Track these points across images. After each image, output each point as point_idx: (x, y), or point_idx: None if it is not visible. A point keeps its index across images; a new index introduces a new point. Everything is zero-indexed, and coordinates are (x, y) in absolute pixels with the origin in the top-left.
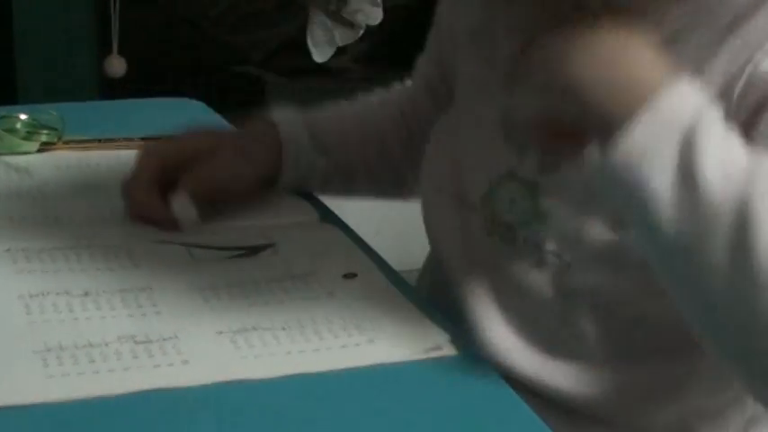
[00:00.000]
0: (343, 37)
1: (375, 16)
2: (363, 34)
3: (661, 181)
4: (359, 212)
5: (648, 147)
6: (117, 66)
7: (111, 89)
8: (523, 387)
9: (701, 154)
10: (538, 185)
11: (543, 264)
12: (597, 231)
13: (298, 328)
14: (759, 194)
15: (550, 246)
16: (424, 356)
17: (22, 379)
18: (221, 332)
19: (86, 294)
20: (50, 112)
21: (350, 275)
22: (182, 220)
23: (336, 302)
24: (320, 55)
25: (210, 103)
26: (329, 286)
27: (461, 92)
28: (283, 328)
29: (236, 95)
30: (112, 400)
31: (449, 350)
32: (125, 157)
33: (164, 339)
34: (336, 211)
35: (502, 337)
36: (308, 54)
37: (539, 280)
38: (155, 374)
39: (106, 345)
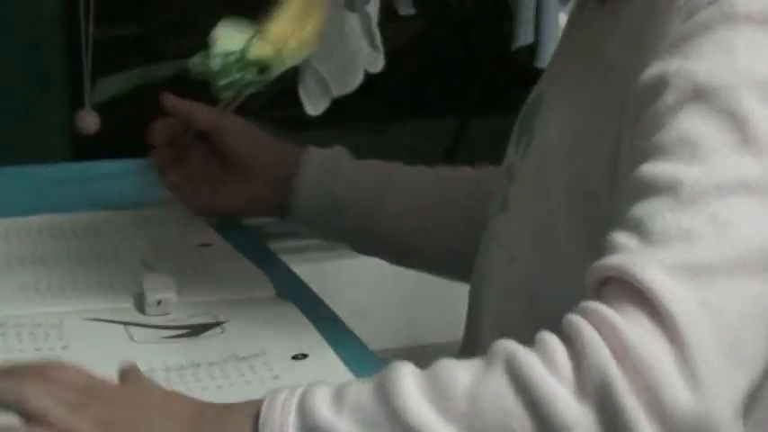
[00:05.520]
0: (339, 87)
1: (376, 63)
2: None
3: None
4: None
5: None
6: (90, 121)
7: (82, 147)
8: None
9: (325, 424)
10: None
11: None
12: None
13: None
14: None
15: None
16: None
17: None
18: None
19: None
20: None
21: (300, 356)
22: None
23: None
24: (313, 108)
25: None
26: (276, 368)
27: None
28: None
29: None
30: None
31: None
32: (73, 226)
33: None
34: None
35: None
36: None
37: None
38: None
39: None
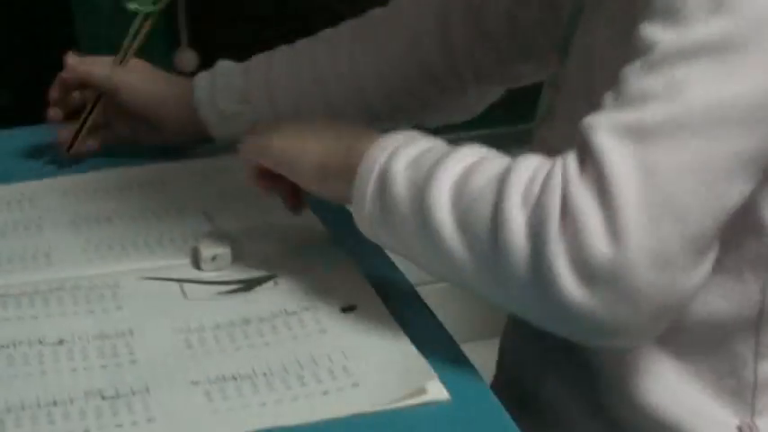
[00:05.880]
0: None
1: None
2: None
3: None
4: None
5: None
6: (187, 59)
7: None
8: None
9: (394, 174)
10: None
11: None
12: None
13: (280, 373)
14: (431, 192)
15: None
16: (408, 402)
17: None
18: (197, 382)
19: (61, 343)
20: None
21: (348, 308)
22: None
23: (328, 341)
24: None
25: None
26: (324, 322)
27: None
28: (264, 374)
29: None
30: None
31: (436, 394)
32: (140, 179)
33: (133, 394)
34: None
35: None
36: None
37: None
38: None
39: (71, 402)
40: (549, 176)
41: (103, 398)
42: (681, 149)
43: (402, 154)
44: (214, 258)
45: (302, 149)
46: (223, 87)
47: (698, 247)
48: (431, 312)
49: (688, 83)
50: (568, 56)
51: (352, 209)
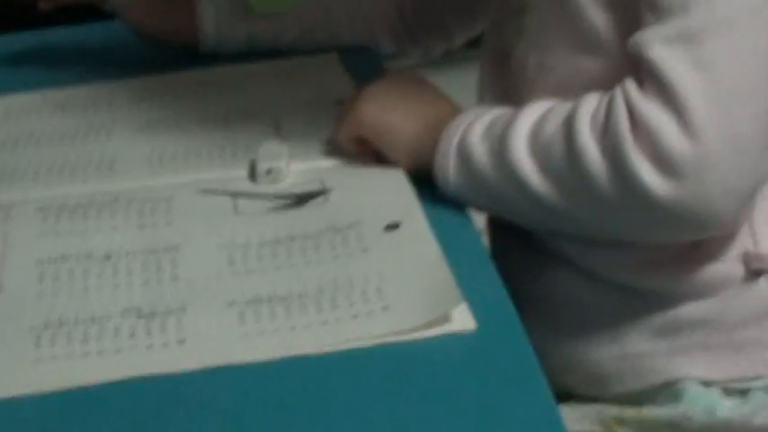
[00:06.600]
0: None
1: None
2: None
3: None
4: None
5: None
6: None
7: None
8: None
9: (471, 146)
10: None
11: (528, 77)
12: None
13: (315, 295)
14: (510, 151)
15: (533, 59)
16: (432, 332)
17: (8, 364)
18: (233, 303)
19: (107, 258)
20: None
21: (392, 226)
22: None
23: (367, 261)
24: None
25: None
26: (367, 240)
27: None
28: (299, 296)
29: None
30: (93, 389)
31: (462, 321)
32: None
33: (169, 313)
34: None
35: None
36: None
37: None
38: (144, 358)
39: (108, 319)
40: (610, 102)
41: (139, 316)
42: (731, 41)
43: (476, 126)
44: (269, 172)
45: (392, 125)
46: None
47: None
48: (473, 229)
49: None
50: None
51: (438, 183)
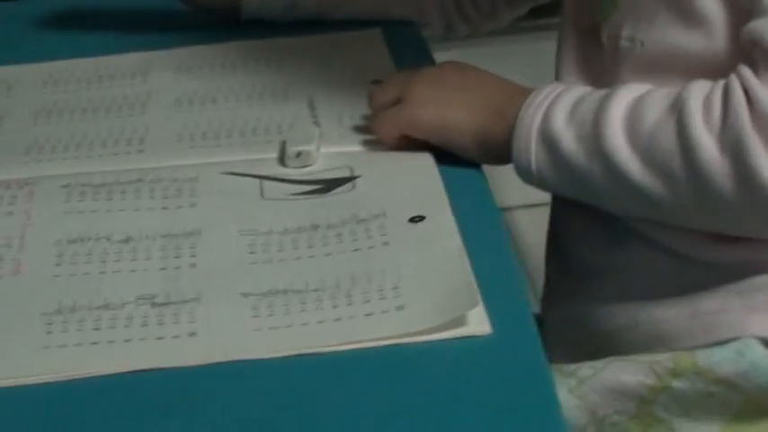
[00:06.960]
0: None
1: None
2: None
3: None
4: None
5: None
6: None
7: None
8: None
9: (557, 133)
10: None
11: (619, 51)
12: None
13: (331, 289)
14: (605, 139)
15: (626, 32)
16: (445, 335)
17: (17, 352)
18: (248, 294)
19: (127, 240)
20: None
21: (417, 219)
22: None
23: (387, 255)
24: None
25: None
26: (390, 233)
27: None
28: (316, 290)
29: None
30: (98, 380)
31: (476, 325)
32: (259, 54)
33: (183, 302)
34: None
35: None
36: None
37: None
38: (154, 350)
39: (122, 306)
40: (727, 92)
41: (153, 305)
42: None
43: (557, 109)
44: (299, 155)
45: (453, 122)
46: None
47: None
48: (501, 227)
49: None
50: None
51: (516, 171)
